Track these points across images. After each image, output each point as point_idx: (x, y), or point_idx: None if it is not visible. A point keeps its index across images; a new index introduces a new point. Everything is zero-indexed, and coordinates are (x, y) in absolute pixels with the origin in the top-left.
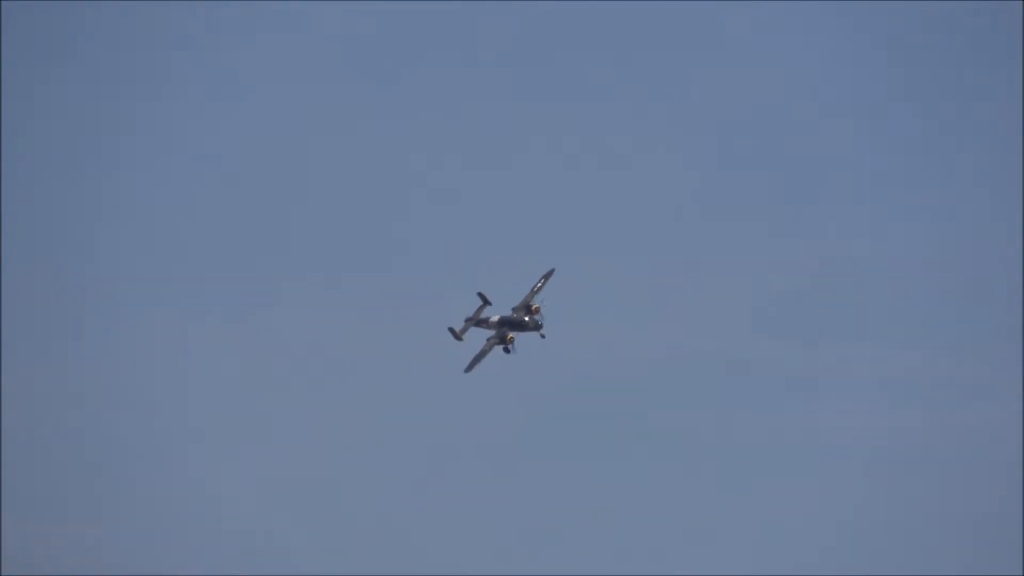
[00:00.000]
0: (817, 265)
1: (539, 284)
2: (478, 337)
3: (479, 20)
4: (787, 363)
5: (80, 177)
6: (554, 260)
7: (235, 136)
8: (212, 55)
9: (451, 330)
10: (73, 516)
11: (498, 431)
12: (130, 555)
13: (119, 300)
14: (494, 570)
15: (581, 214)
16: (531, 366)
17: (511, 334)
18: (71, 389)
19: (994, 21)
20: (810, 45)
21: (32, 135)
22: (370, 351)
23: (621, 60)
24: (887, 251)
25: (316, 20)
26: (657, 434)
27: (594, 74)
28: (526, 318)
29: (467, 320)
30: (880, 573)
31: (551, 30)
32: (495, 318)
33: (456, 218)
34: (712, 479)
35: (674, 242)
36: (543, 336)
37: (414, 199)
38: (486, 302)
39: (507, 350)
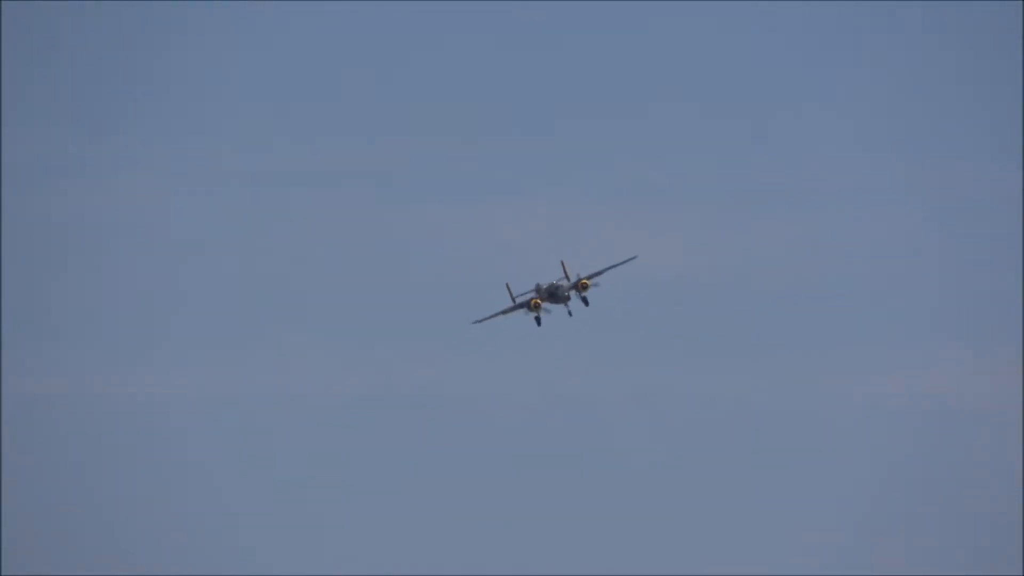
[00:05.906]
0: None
1: (611, 266)
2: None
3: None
4: None
5: (80, 176)
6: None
7: (235, 134)
8: (212, 55)
9: (508, 287)
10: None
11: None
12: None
13: (120, 300)
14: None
15: None
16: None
17: (536, 299)
18: (70, 388)
19: (994, 21)
20: (810, 45)
21: (32, 134)
22: None
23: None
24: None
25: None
26: None
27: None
28: (563, 288)
29: (538, 285)
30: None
31: None
32: (545, 285)
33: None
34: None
35: None
36: (570, 314)
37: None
38: (566, 275)
39: (538, 320)
